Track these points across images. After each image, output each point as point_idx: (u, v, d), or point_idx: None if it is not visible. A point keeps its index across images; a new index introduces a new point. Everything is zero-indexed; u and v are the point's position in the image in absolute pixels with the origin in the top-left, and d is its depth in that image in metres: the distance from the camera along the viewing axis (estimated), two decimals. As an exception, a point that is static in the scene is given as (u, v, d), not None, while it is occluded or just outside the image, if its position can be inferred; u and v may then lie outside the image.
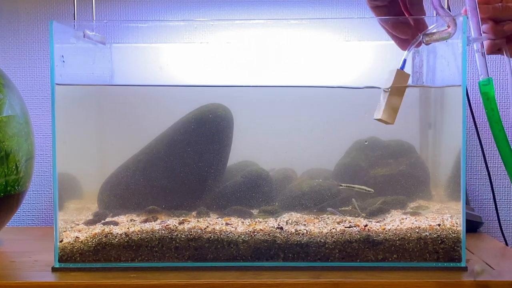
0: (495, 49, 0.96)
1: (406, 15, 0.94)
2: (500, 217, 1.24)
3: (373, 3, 0.96)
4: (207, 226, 0.93)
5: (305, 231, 0.92)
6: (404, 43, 0.95)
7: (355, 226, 0.92)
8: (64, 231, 0.94)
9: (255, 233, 0.92)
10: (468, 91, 1.21)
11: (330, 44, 1.11)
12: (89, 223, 0.97)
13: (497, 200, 1.25)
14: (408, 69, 1.08)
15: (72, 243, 0.92)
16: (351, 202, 0.98)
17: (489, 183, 1.22)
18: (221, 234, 0.92)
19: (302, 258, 0.91)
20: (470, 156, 1.31)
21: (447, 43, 0.91)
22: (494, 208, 1.24)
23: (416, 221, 0.93)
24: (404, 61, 0.92)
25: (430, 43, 0.91)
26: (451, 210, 0.94)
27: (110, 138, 1.02)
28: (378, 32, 1.08)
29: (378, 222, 0.94)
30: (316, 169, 1.02)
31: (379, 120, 0.91)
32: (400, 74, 0.91)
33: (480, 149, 1.22)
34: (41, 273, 0.91)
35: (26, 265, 0.96)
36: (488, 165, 1.23)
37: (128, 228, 0.93)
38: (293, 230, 0.92)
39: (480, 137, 1.21)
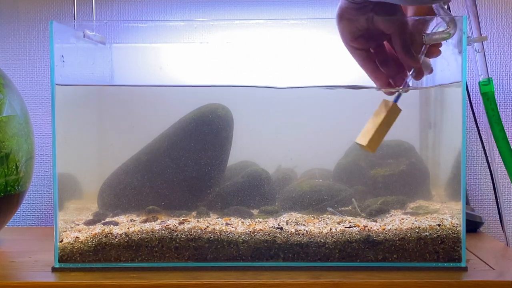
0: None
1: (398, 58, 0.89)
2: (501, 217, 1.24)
3: (350, 45, 0.90)
4: (207, 226, 0.93)
5: (305, 231, 0.92)
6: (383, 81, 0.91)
7: (355, 226, 0.92)
8: (64, 231, 0.94)
9: (255, 233, 0.92)
10: (469, 91, 1.21)
11: (330, 44, 1.10)
12: (89, 223, 0.97)
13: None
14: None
15: (72, 243, 0.92)
16: (351, 202, 0.98)
17: (491, 183, 1.22)
18: (221, 234, 0.92)
19: (302, 258, 0.91)
20: (470, 156, 1.31)
21: (447, 43, 0.91)
22: (494, 208, 1.23)
23: (416, 221, 0.93)
24: (399, 95, 0.90)
25: (430, 44, 0.91)
26: (451, 210, 0.94)
27: (110, 138, 1.02)
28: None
29: (377, 222, 0.94)
30: (316, 169, 1.02)
31: (360, 145, 0.90)
32: (394, 108, 0.90)
33: (481, 148, 1.22)
34: (41, 273, 0.91)
35: (26, 265, 0.96)
36: (490, 165, 1.23)
37: (128, 228, 0.93)
38: (293, 230, 0.92)
39: (482, 137, 1.21)
